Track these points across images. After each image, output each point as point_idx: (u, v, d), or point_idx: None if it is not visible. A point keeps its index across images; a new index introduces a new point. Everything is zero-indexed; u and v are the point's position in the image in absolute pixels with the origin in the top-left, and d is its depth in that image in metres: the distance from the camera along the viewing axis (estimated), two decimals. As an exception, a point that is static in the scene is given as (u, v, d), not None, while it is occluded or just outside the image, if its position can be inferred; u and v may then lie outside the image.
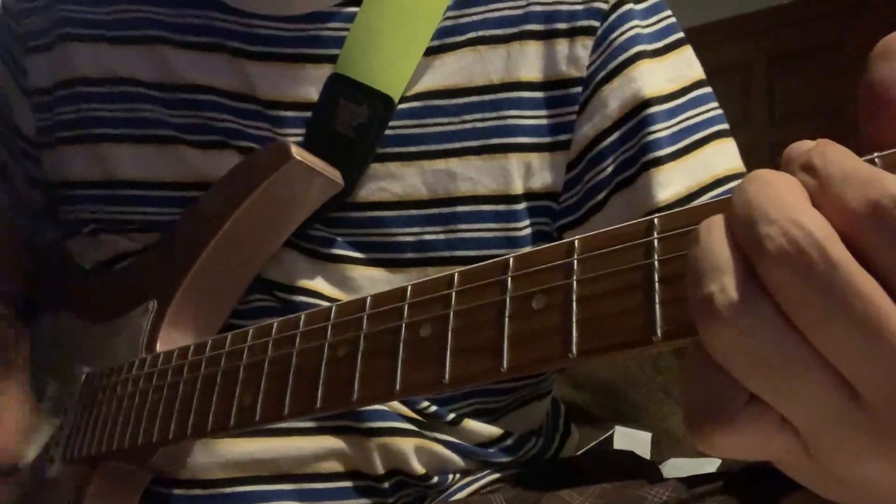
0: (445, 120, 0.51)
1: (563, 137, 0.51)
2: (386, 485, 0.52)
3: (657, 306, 0.24)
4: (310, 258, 0.52)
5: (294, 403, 0.36)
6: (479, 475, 0.54)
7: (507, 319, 0.28)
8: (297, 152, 0.47)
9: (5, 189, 0.63)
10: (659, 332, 0.24)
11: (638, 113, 0.49)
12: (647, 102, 0.49)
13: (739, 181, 0.21)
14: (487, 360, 0.28)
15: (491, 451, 0.55)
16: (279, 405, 0.36)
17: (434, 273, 0.50)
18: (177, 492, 0.50)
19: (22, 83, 0.60)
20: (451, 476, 0.53)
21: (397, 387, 0.31)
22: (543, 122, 0.51)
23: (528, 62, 0.51)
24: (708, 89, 0.52)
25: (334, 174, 0.49)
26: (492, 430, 0.54)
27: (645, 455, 0.85)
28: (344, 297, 0.51)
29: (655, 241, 0.25)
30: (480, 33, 0.51)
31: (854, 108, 0.21)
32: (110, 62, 0.56)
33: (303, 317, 0.37)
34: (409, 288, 0.32)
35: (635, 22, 0.51)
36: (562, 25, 0.51)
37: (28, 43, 0.59)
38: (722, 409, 0.20)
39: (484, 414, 0.55)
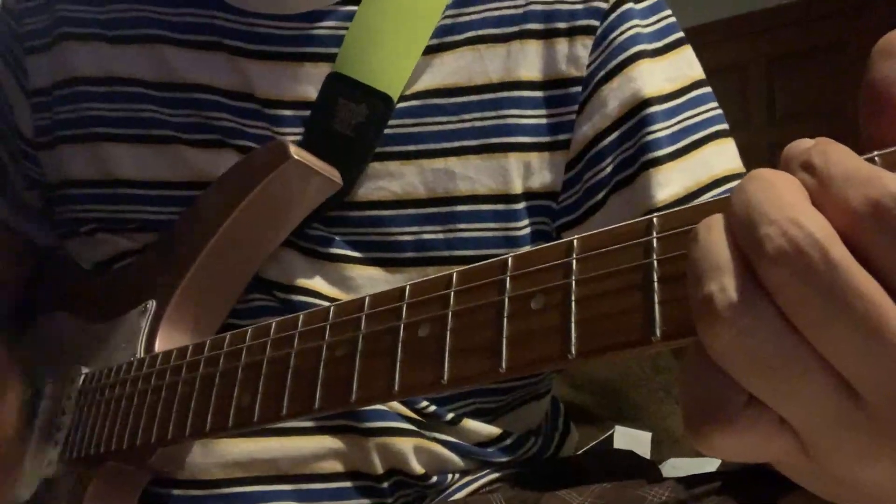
0: (444, 119, 0.51)
1: (562, 137, 0.51)
2: (385, 484, 0.51)
3: (656, 306, 0.24)
4: (308, 257, 0.52)
5: (292, 404, 0.35)
6: (478, 475, 0.54)
7: (505, 319, 0.28)
8: (296, 151, 0.47)
9: (5, 189, 0.63)
10: (658, 332, 0.23)
11: (637, 112, 0.49)
12: (647, 102, 0.49)
13: (739, 181, 0.21)
14: (486, 361, 0.28)
15: (490, 450, 0.55)
16: (277, 406, 0.36)
17: (433, 272, 0.50)
18: (176, 492, 0.50)
19: (23, 83, 0.60)
20: (450, 476, 0.53)
21: (396, 387, 0.31)
22: (543, 121, 0.51)
23: (528, 61, 0.51)
24: (707, 89, 0.52)
25: (333, 173, 0.49)
26: (491, 430, 0.54)
27: (645, 455, 0.85)
28: (343, 296, 0.51)
29: (654, 241, 0.24)
30: (480, 32, 0.51)
31: (854, 108, 0.21)
32: (109, 61, 0.56)
33: (301, 317, 0.37)
34: (408, 288, 0.32)
35: (635, 21, 0.51)
36: (561, 25, 0.51)
37: (28, 43, 0.59)
38: (721, 410, 0.20)
39: (483, 413, 0.55)
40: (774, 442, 0.20)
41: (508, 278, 0.28)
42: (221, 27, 0.53)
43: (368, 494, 0.52)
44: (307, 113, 0.51)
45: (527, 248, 0.52)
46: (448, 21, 0.51)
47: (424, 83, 0.51)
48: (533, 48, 0.51)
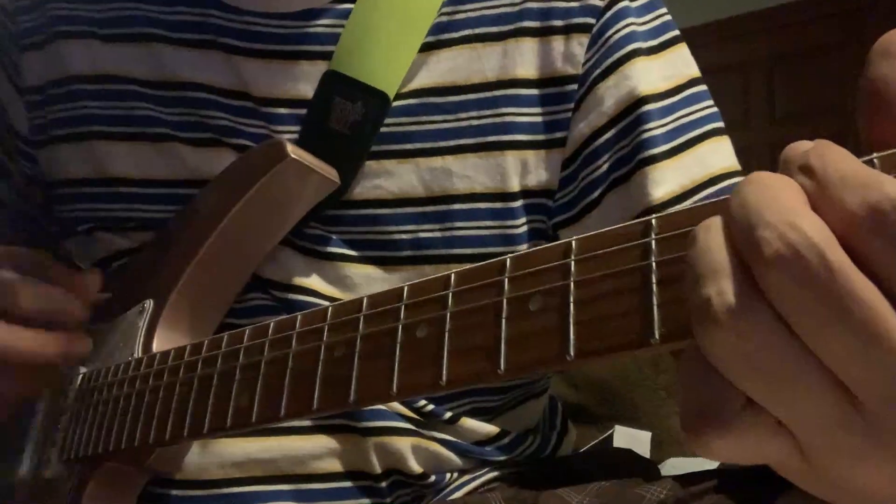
0: (441, 117, 0.51)
1: (558, 135, 0.51)
2: (383, 484, 0.51)
3: (655, 308, 0.24)
4: (306, 256, 0.52)
5: (291, 405, 0.35)
6: (476, 474, 0.54)
7: (504, 321, 0.28)
8: (293, 150, 0.47)
9: (4, 188, 0.63)
10: (657, 334, 0.23)
11: (633, 110, 0.49)
12: (643, 100, 0.49)
13: (738, 182, 0.20)
14: (484, 362, 0.28)
15: (488, 449, 0.55)
16: (276, 406, 0.36)
17: (430, 271, 0.50)
18: (174, 492, 0.50)
19: (17, 81, 0.60)
20: (448, 475, 0.53)
21: (394, 388, 0.31)
22: (539, 119, 0.51)
23: (524, 59, 0.51)
24: (703, 87, 0.52)
25: (330, 172, 0.49)
26: (489, 429, 0.54)
27: (645, 454, 0.85)
28: (340, 295, 0.51)
29: (653, 243, 0.24)
30: (476, 30, 0.51)
31: (854, 107, 0.21)
32: (103, 60, 0.56)
33: (299, 317, 0.37)
34: (406, 289, 0.32)
35: (631, 19, 0.51)
36: (557, 22, 0.51)
37: (22, 41, 0.59)
38: (718, 412, 0.20)
39: (481, 412, 0.55)
40: (772, 444, 0.20)
41: (507, 279, 0.28)
42: (216, 25, 0.53)
43: (367, 494, 0.51)
44: (303, 111, 0.51)
45: (524, 248, 0.52)
46: (444, 19, 0.51)
47: (421, 81, 0.51)
48: (529, 46, 0.51)
